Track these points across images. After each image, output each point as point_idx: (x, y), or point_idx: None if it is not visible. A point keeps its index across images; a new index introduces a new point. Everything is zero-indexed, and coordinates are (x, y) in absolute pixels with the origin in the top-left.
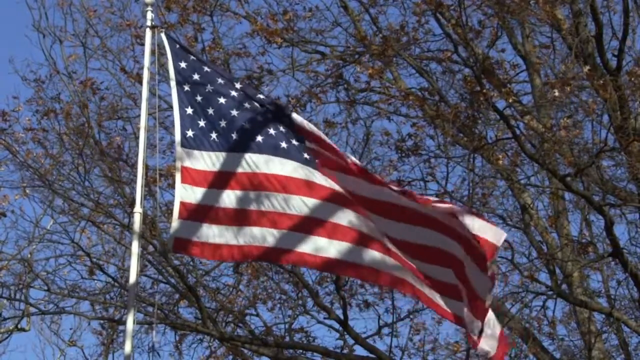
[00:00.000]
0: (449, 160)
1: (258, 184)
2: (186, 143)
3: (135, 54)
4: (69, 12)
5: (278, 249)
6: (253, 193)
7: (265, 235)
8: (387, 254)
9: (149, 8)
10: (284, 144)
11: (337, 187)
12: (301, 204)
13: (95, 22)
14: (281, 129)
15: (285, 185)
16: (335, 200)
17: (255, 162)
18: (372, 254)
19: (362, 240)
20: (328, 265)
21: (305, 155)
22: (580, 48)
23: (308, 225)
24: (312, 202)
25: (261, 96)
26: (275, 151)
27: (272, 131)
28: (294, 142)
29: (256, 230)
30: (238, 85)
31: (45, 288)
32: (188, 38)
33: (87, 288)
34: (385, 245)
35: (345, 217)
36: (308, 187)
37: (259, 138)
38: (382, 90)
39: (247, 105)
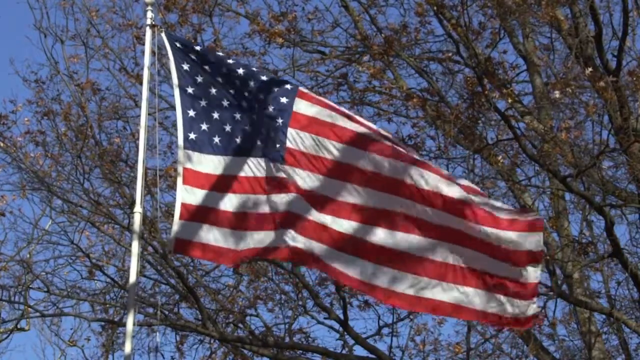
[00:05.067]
0: (450, 161)
1: (260, 187)
2: (188, 145)
3: (137, 54)
4: (71, 12)
5: (272, 247)
6: (254, 197)
7: (265, 238)
8: (387, 264)
9: (149, 7)
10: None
11: (306, 183)
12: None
13: (97, 22)
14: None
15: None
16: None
17: (257, 166)
18: (368, 264)
19: (356, 248)
20: (320, 266)
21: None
22: (580, 48)
23: (301, 226)
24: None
25: (276, 89)
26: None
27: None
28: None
29: (257, 235)
30: (250, 83)
31: (45, 289)
32: (188, 39)
33: (87, 289)
34: (384, 252)
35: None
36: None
37: (259, 141)
38: (383, 91)
39: (252, 105)
